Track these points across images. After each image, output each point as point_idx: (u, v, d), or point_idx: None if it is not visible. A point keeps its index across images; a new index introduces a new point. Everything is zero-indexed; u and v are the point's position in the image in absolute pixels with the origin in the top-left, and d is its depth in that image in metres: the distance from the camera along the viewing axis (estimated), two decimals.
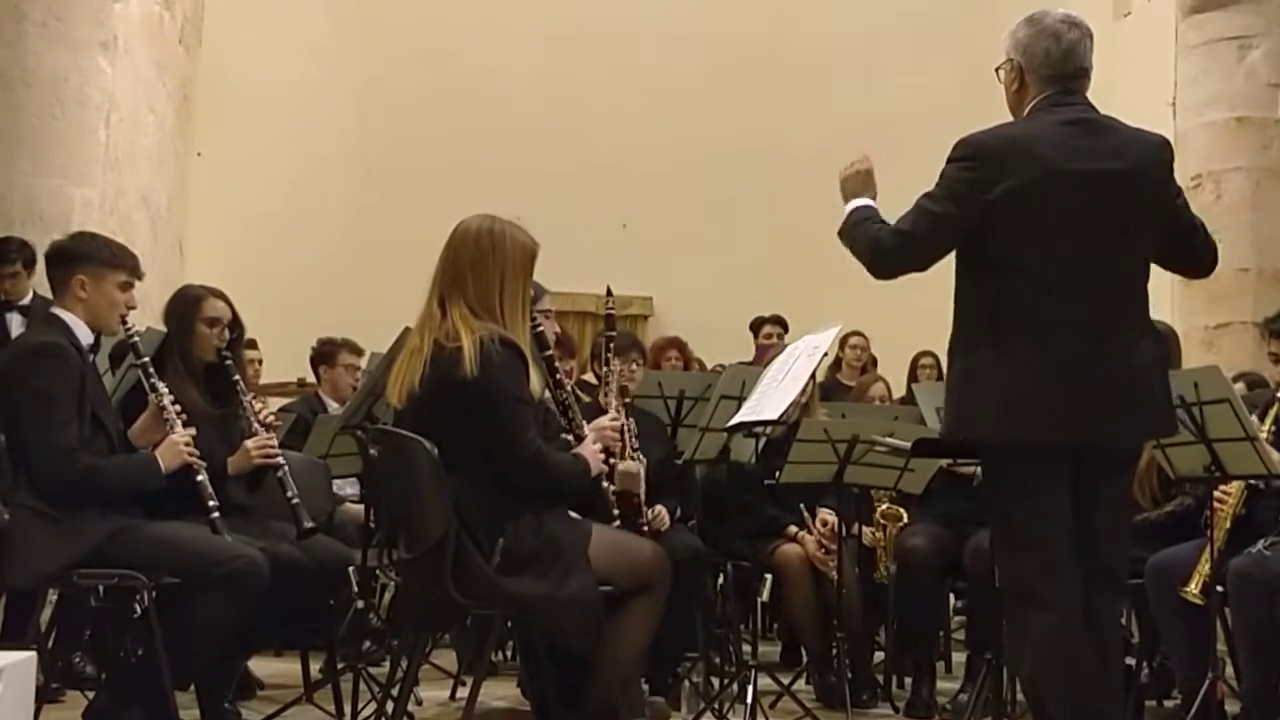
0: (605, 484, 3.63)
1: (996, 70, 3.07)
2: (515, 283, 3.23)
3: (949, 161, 2.95)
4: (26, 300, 5.27)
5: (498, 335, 3.13)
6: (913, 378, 7.16)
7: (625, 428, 4.16)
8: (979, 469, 3.38)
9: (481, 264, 3.20)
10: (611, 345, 4.09)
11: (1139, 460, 3.18)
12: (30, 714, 2.77)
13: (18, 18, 6.30)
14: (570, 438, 3.54)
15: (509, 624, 3.66)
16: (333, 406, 5.68)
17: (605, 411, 3.83)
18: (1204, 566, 3.79)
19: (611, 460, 3.73)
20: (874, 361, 7.84)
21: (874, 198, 3.09)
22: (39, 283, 5.02)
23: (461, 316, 3.15)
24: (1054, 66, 2.95)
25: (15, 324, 5.23)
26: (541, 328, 3.48)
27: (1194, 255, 3.11)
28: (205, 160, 9.06)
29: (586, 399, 4.37)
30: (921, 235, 2.92)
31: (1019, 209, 2.87)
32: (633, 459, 4.09)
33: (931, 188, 2.95)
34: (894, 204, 3.12)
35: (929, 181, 2.99)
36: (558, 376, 3.55)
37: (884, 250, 2.95)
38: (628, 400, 4.41)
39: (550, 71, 9.60)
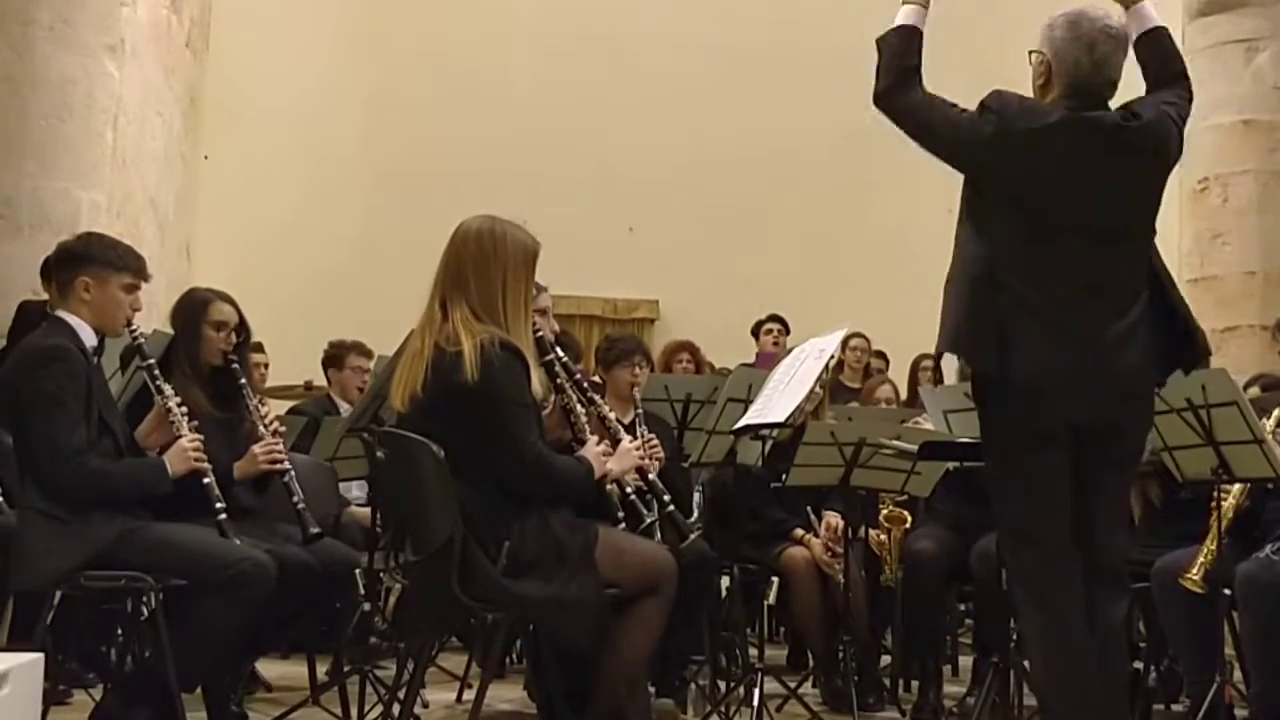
0: (610, 486, 3.64)
1: (1029, 53, 3.05)
2: (517, 283, 3.23)
3: (980, 103, 2.96)
4: None
5: (498, 339, 3.13)
6: (914, 380, 7.17)
7: (641, 435, 4.19)
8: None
9: (483, 265, 3.20)
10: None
11: (1141, 456, 3.17)
12: (38, 716, 2.77)
13: (25, 21, 6.32)
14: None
15: (515, 626, 3.67)
16: (344, 408, 5.71)
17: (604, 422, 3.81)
18: (1207, 555, 3.78)
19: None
20: (884, 361, 7.84)
21: (928, 5, 3.17)
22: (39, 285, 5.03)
23: (463, 319, 3.15)
24: (1083, 78, 2.94)
25: None
26: (541, 332, 3.47)
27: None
28: (212, 164, 9.07)
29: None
30: (936, 130, 2.98)
31: (1024, 179, 2.88)
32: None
33: (965, 109, 2.97)
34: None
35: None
36: (558, 381, 3.55)
37: (906, 111, 3.03)
38: (639, 410, 4.42)
39: (557, 76, 9.61)
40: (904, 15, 3.11)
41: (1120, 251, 2.93)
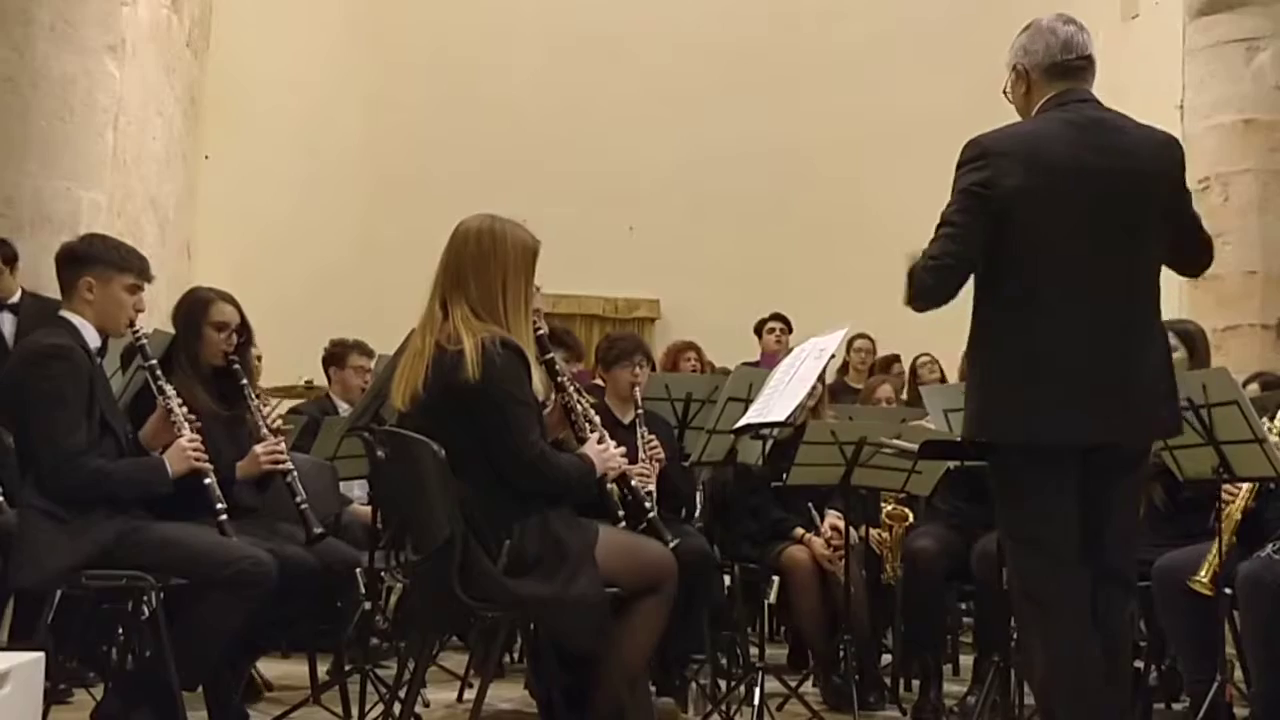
0: (610, 485, 3.64)
1: (1004, 92, 3.11)
2: (517, 282, 3.23)
3: (958, 166, 2.95)
4: (15, 299, 5.26)
5: (499, 337, 3.13)
6: (913, 378, 7.16)
7: (641, 435, 4.21)
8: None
9: (483, 264, 3.20)
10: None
11: (1147, 461, 3.17)
12: (39, 715, 2.77)
13: (26, 21, 6.32)
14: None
15: (516, 625, 3.67)
16: (343, 408, 5.71)
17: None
18: (1213, 557, 3.77)
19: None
20: (884, 363, 7.83)
21: None
22: (42, 284, 5.03)
23: (463, 318, 3.15)
24: (1057, 55, 3.01)
25: (6, 323, 5.21)
26: (543, 330, 3.48)
27: (1194, 251, 3.13)
28: (213, 163, 9.08)
29: (593, 400, 4.38)
30: (952, 254, 2.90)
31: (1027, 209, 2.87)
32: (645, 472, 4.13)
33: (948, 201, 2.94)
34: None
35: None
36: (560, 380, 3.55)
37: (925, 288, 2.92)
38: (639, 410, 4.43)
39: (557, 76, 9.61)
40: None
41: (1126, 274, 2.93)
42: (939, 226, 2.94)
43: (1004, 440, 2.93)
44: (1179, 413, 3.07)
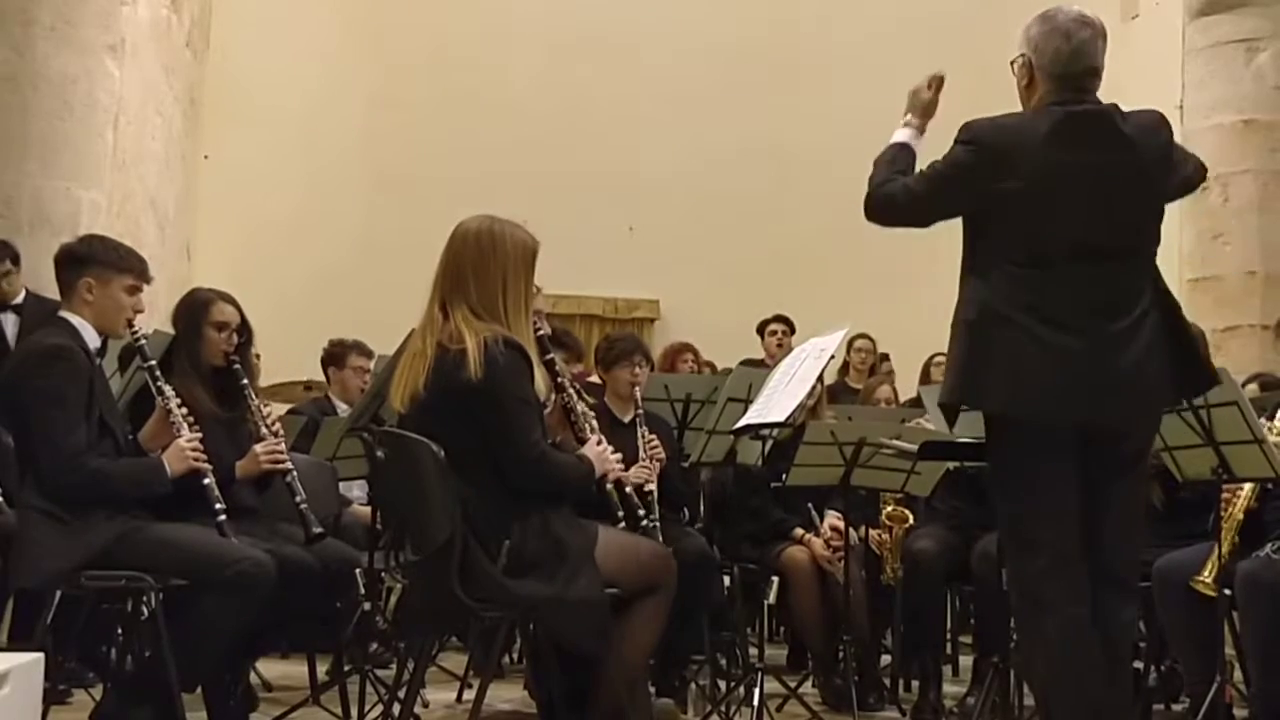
0: (610, 485, 3.64)
1: (1011, 63, 3.09)
2: (517, 282, 3.23)
3: (955, 142, 2.98)
4: (19, 300, 5.26)
5: (501, 336, 3.13)
6: (925, 379, 7.16)
7: (641, 435, 4.21)
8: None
9: (483, 265, 3.20)
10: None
11: (1147, 459, 3.16)
12: (38, 716, 2.77)
13: (26, 20, 6.32)
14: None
15: (516, 626, 3.67)
16: (342, 408, 5.71)
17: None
18: (1216, 558, 3.77)
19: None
20: (884, 362, 7.84)
21: (923, 128, 3.18)
22: (42, 284, 5.03)
23: (464, 318, 3.15)
24: (1063, 65, 2.98)
25: (9, 323, 5.22)
26: (543, 331, 3.48)
27: (1188, 182, 3.15)
28: (213, 163, 9.08)
29: (593, 400, 4.38)
30: (922, 197, 3.00)
31: (1017, 201, 2.88)
32: (646, 470, 4.14)
33: (941, 158, 2.99)
34: None
35: None
36: (560, 380, 3.56)
37: (890, 204, 3.04)
38: (639, 410, 4.43)
39: (557, 76, 9.61)
40: (898, 135, 3.18)
41: (1121, 260, 2.92)
42: (926, 173, 3.01)
43: (985, 407, 2.93)
44: (1184, 380, 3.03)
